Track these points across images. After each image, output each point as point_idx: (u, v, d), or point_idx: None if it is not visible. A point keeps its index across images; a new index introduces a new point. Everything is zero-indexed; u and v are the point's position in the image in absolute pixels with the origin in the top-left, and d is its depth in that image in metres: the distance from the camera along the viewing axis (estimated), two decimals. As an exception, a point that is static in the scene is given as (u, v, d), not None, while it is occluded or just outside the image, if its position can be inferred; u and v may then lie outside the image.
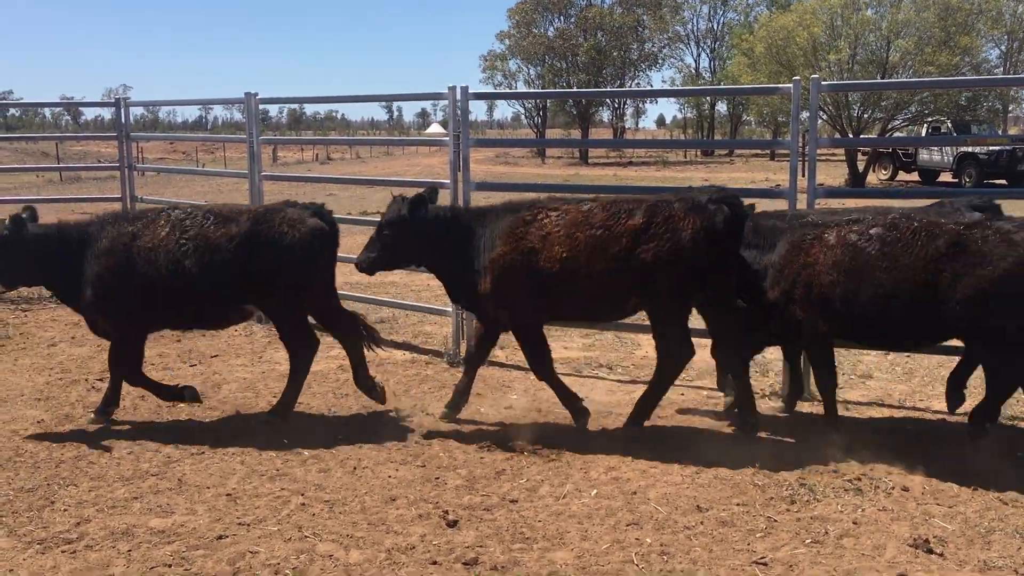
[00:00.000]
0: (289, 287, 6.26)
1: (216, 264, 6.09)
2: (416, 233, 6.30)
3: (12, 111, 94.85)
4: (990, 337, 5.45)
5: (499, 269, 6.05)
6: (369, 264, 6.50)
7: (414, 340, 9.04)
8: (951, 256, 5.35)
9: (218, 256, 6.09)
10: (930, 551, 4.42)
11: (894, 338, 6.00)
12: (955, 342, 6.04)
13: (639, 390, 6.85)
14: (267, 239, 6.14)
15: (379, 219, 6.54)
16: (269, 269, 6.14)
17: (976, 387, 6.88)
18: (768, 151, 55.53)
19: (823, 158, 41.12)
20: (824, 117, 34.69)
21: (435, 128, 76.94)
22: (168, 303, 6.22)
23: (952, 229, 5.46)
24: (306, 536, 4.62)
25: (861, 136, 34.06)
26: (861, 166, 35.37)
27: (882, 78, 33.64)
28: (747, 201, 6.10)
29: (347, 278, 8.59)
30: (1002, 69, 50.75)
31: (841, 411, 6.63)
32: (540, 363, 6.31)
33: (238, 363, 8.14)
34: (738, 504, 5.00)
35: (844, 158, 36.82)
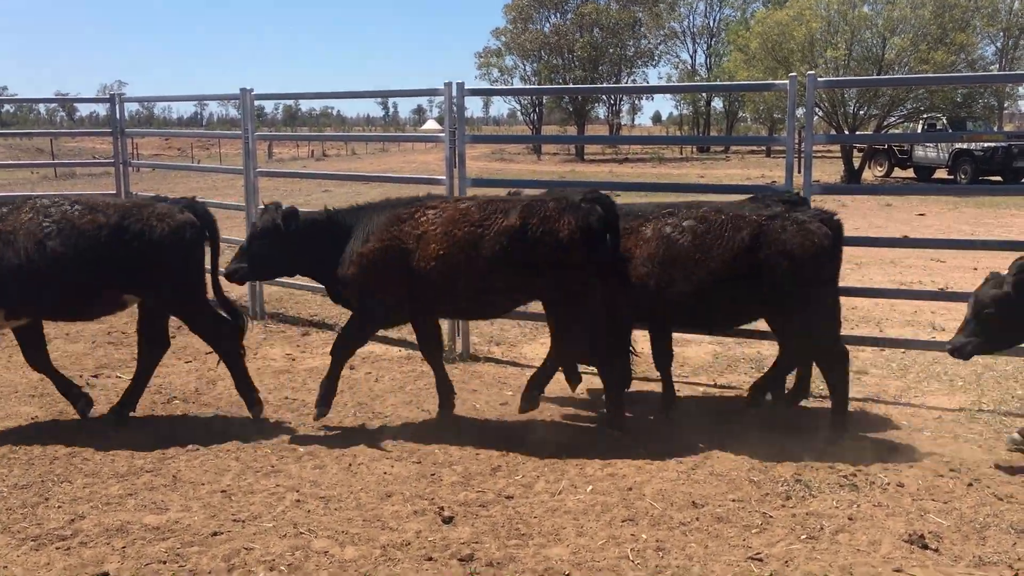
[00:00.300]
0: (159, 280, 6.09)
1: (80, 253, 5.87)
2: (290, 243, 6.25)
3: (7, 107, 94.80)
4: (789, 320, 6.02)
5: (368, 263, 6.06)
6: (240, 275, 6.44)
7: (410, 336, 9.00)
8: (754, 245, 5.79)
9: (82, 244, 5.88)
10: (925, 547, 4.42)
11: (708, 323, 6.56)
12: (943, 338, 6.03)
13: (634, 385, 6.86)
14: (136, 232, 5.97)
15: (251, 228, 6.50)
16: (137, 262, 5.96)
17: (965, 377, 6.90)
18: (764, 148, 55.63)
19: (819, 155, 41.17)
20: (820, 114, 34.76)
21: (431, 125, 76.87)
22: (31, 289, 5.92)
23: (754, 220, 5.87)
24: (301, 532, 4.61)
25: (857, 133, 34.07)
26: (857, 163, 35.43)
27: (878, 75, 33.68)
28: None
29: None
30: (998, 66, 50.82)
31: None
32: (343, 349, 6.34)
33: (233, 359, 8.12)
34: (734, 500, 5.00)
35: (840, 155, 36.86)
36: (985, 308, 5.41)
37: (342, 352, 6.33)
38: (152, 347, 6.47)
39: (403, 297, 6.11)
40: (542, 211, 5.82)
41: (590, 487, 5.19)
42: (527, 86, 60.61)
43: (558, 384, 7.29)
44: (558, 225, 5.76)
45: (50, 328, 8.53)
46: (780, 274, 5.76)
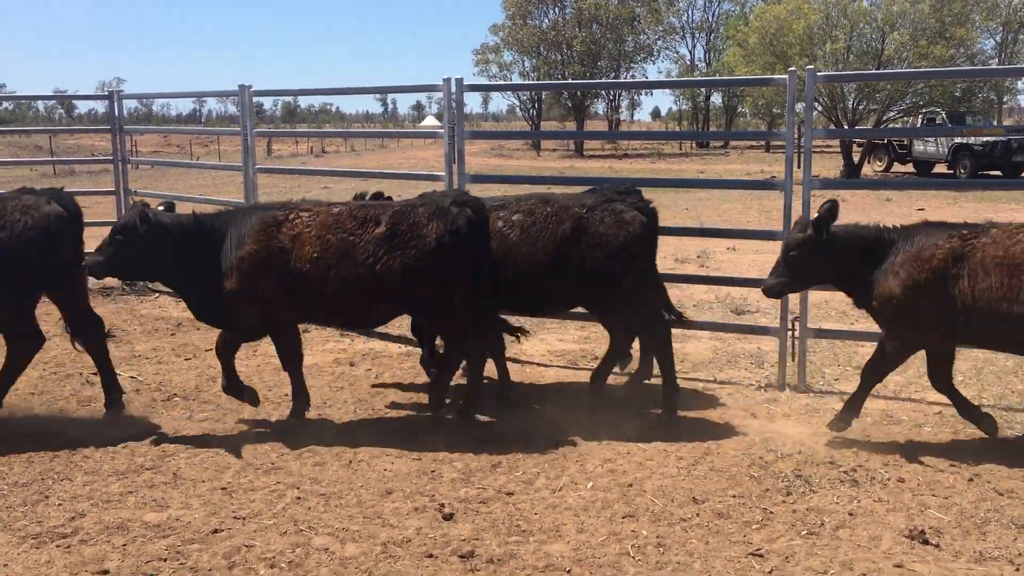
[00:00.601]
0: (20, 273, 5.94)
1: None
2: (149, 244, 6.02)
3: (5, 104, 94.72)
4: (602, 306, 6.51)
5: (247, 268, 5.95)
6: (94, 269, 6.21)
7: (409, 332, 9.01)
8: (575, 236, 6.12)
9: None
10: (926, 542, 4.42)
11: (536, 307, 6.81)
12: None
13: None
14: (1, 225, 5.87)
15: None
16: (3, 254, 5.84)
17: (965, 372, 6.90)
18: (763, 143, 55.59)
19: (818, 150, 41.18)
20: (819, 109, 34.73)
21: (430, 121, 76.81)
22: None
23: (575, 213, 6.20)
24: (302, 530, 4.61)
25: (856, 127, 34.04)
26: (856, 157, 35.40)
27: (877, 69, 33.65)
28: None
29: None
30: (997, 60, 50.79)
31: (837, 402, 6.65)
32: (291, 361, 6.31)
33: (233, 357, 8.12)
34: (734, 496, 5.00)
35: (839, 150, 36.84)
36: (791, 251, 5.91)
37: (289, 364, 6.31)
38: (20, 341, 6.34)
39: (280, 302, 6.01)
40: (411, 217, 5.85)
41: (590, 483, 5.19)
42: (526, 82, 60.56)
43: (560, 382, 7.30)
44: (427, 230, 5.80)
45: (48, 326, 8.52)
46: (599, 261, 6.12)
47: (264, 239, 5.96)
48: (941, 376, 5.87)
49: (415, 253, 5.80)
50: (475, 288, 6.07)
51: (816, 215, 5.78)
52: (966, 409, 5.87)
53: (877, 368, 5.85)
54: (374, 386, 7.24)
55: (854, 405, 5.90)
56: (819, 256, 5.82)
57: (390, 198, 6.84)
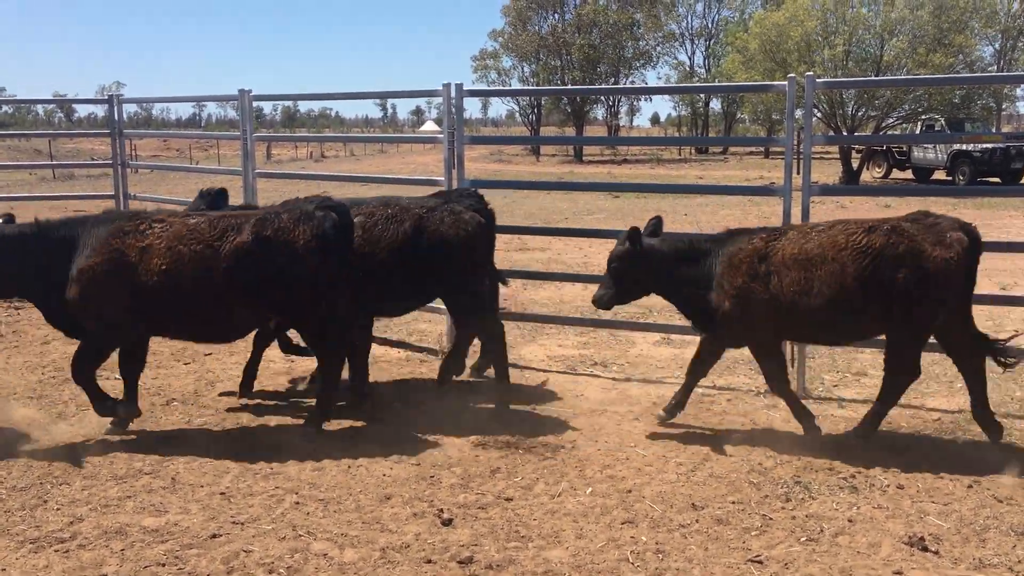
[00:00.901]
0: None
1: None
2: None
3: (5, 108, 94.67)
4: (451, 300, 6.90)
5: (88, 280, 5.79)
6: None
7: (408, 338, 9.02)
8: (415, 236, 6.41)
9: None
10: (925, 549, 4.42)
11: (380, 306, 6.86)
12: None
13: (634, 388, 6.87)
14: None
15: None
16: None
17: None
18: (762, 149, 55.65)
19: (817, 156, 41.19)
20: (818, 115, 34.75)
21: (430, 126, 76.85)
22: None
23: (416, 214, 6.49)
24: (300, 535, 4.60)
25: (855, 134, 34.09)
26: (856, 164, 35.44)
27: (876, 76, 33.69)
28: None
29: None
30: (996, 67, 50.86)
31: (836, 408, 6.66)
32: (128, 371, 6.21)
33: (232, 361, 8.11)
34: (733, 502, 4.99)
35: (838, 156, 36.88)
36: (612, 263, 6.24)
37: (125, 372, 6.23)
38: None
39: (127, 314, 5.88)
40: (276, 223, 5.79)
41: (590, 489, 5.18)
42: (526, 87, 60.60)
43: (559, 388, 7.30)
44: (293, 236, 5.76)
45: (47, 329, 8.54)
46: (438, 259, 6.42)
47: (108, 250, 5.79)
48: (700, 369, 6.33)
49: (280, 260, 5.72)
50: (341, 292, 6.06)
51: (632, 227, 6.13)
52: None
53: (772, 378, 6.06)
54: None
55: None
56: (638, 267, 6.14)
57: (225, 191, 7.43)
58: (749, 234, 5.97)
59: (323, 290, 5.93)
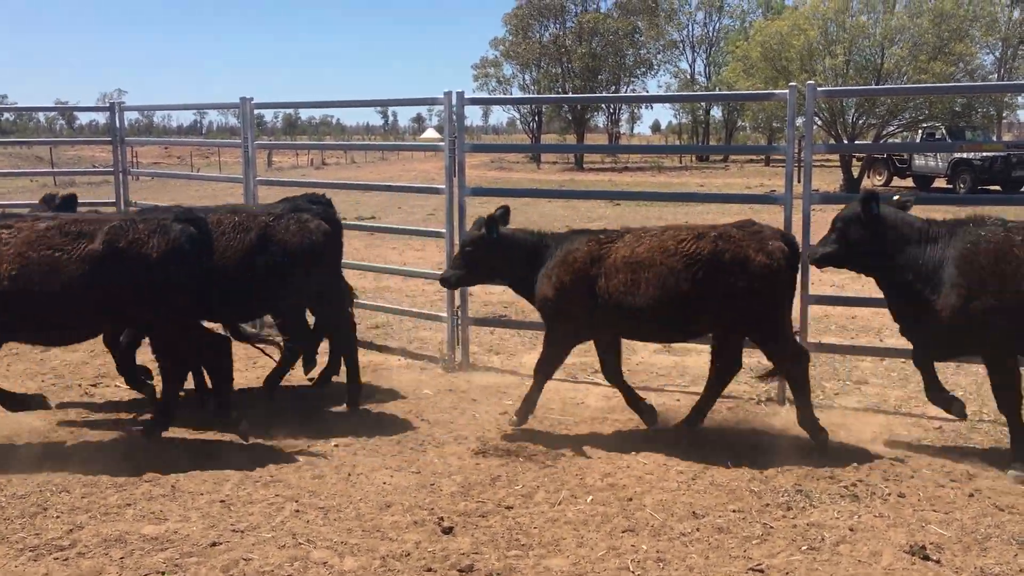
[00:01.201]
0: None
1: None
2: None
3: (6, 115, 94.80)
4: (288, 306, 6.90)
5: None
6: None
7: (409, 346, 9.02)
8: (262, 244, 6.50)
9: None
10: (926, 558, 4.41)
11: (228, 315, 6.76)
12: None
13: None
14: None
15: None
16: None
17: (966, 387, 6.87)
18: (763, 156, 55.69)
19: (818, 164, 41.21)
20: (819, 123, 34.79)
21: (430, 134, 76.92)
22: None
23: (262, 221, 6.58)
24: (300, 543, 4.59)
25: (856, 142, 34.12)
26: (856, 172, 35.46)
27: (877, 84, 33.74)
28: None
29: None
30: (996, 75, 50.89)
31: (839, 417, 6.65)
32: None
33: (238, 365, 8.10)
34: (734, 510, 4.98)
35: (839, 164, 36.92)
36: (466, 247, 6.54)
37: None
38: None
39: None
40: (130, 233, 5.73)
41: (590, 497, 5.17)
42: (527, 95, 60.71)
43: (560, 396, 7.28)
44: (148, 247, 5.70)
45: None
46: (282, 266, 6.51)
47: None
48: (611, 368, 6.55)
49: (134, 270, 5.65)
50: (197, 303, 6.02)
51: (488, 215, 6.37)
52: (632, 401, 6.53)
53: (547, 362, 6.41)
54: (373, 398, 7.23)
55: (529, 399, 6.50)
56: (489, 253, 6.42)
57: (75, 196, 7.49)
58: (588, 235, 6.32)
59: (176, 301, 5.84)
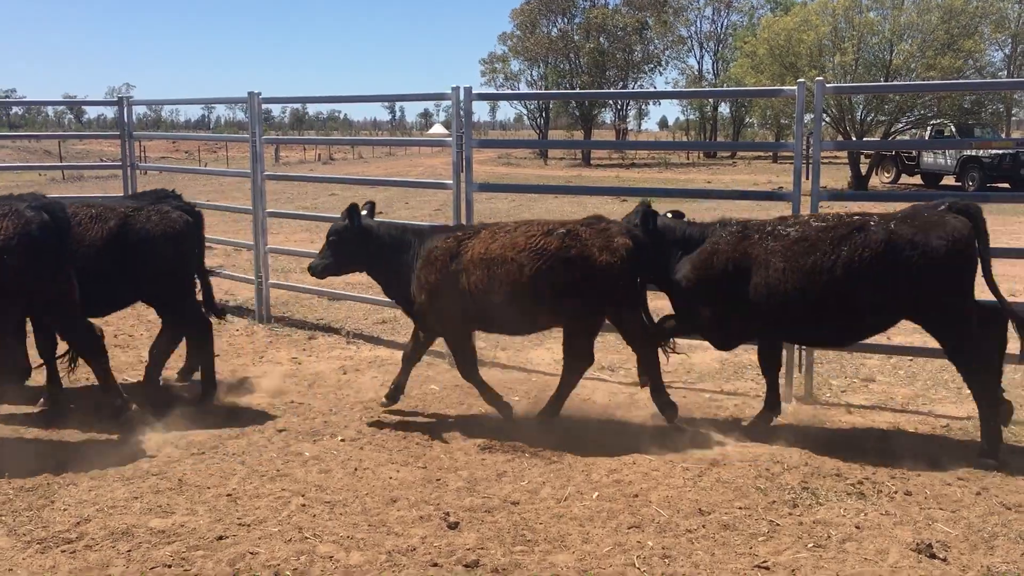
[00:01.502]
0: None
1: None
2: None
3: (15, 109, 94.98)
4: (154, 301, 6.98)
5: None
6: None
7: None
8: (121, 236, 6.51)
9: None
10: (933, 556, 4.40)
11: (94, 308, 6.56)
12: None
13: (641, 392, 6.83)
14: None
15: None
16: None
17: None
18: (771, 153, 55.54)
19: (826, 161, 41.09)
20: (827, 120, 34.67)
21: (438, 129, 76.88)
22: None
23: (121, 212, 6.63)
24: (306, 537, 4.60)
25: (864, 139, 34.01)
26: (864, 169, 35.34)
27: (885, 81, 33.61)
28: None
29: (350, 278, 8.59)
30: (1006, 72, 50.71)
31: (844, 414, 6.64)
32: None
33: (239, 363, 8.14)
34: (740, 507, 4.98)
35: (847, 161, 36.82)
36: (331, 236, 6.61)
37: None
38: None
39: None
40: None
41: (596, 493, 5.17)
42: (534, 91, 60.65)
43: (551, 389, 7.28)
44: None
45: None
46: (145, 256, 6.53)
47: None
48: (412, 356, 6.84)
49: None
50: (58, 292, 5.89)
51: (351, 204, 6.57)
52: (490, 399, 6.59)
53: (464, 365, 6.53)
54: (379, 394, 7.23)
55: (487, 398, 6.58)
56: (354, 244, 6.54)
57: None
58: (447, 232, 6.53)
59: (28, 289, 5.72)
